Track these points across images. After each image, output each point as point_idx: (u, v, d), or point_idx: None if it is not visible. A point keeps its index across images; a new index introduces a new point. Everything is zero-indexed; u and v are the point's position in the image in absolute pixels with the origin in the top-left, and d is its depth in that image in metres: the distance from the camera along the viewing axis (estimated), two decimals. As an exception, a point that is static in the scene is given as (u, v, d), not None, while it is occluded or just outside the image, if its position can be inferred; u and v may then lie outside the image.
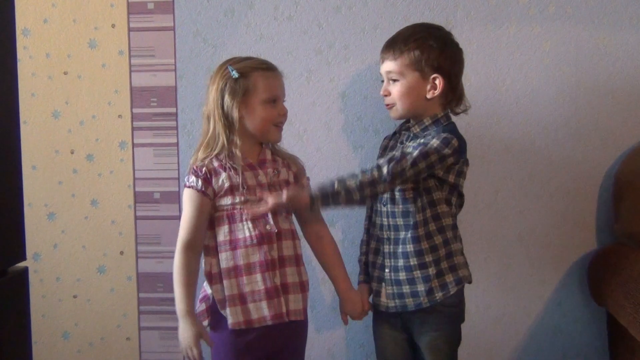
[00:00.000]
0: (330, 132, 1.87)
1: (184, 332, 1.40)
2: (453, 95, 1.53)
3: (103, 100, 1.92)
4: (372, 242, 1.58)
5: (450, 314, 1.51)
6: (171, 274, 1.91)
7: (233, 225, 1.43)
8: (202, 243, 1.45)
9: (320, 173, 1.76)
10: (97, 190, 1.95)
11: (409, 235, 1.48)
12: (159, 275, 1.95)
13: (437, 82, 1.49)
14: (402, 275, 1.50)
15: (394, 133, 1.61)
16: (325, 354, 1.92)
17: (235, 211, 1.43)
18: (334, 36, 1.85)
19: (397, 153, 1.43)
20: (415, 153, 1.40)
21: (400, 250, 1.50)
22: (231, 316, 1.41)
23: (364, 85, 1.85)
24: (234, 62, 1.47)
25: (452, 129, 1.50)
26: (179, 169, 1.91)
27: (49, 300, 1.98)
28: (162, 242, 1.93)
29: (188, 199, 1.44)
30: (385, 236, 1.52)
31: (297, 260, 1.49)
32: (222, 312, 1.43)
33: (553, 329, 1.88)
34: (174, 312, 1.92)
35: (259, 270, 1.42)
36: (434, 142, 1.42)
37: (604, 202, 1.83)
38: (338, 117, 1.87)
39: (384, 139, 1.66)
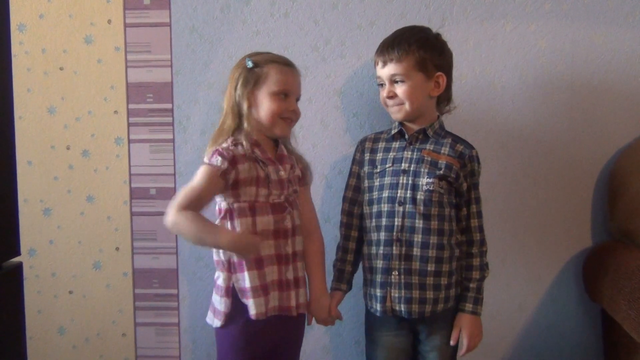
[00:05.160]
0: (327, 129, 1.87)
1: (235, 241, 1.34)
2: (446, 93, 1.56)
3: (99, 96, 1.92)
4: (372, 247, 1.54)
5: (454, 317, 1.55)
6: (166, 270, 1.95)
7: (255, 218, 1.42)
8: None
9: (316, 170, 1.76)
10: (93, 186, 1.95)
11: (434, 240, 1.48)
12: (154, 271, 1.95)
13: (440, 80, 1.52)
14: (415, 279, 1.49)
15: (393, 136, 1.58)
16: (320, 350, 1.93)
17: (257, 204, 1.43)
18: (330, 33, 1.85)
19: (475, 238, 1.55)
20: (480, 222, 1.56)
21: (417, 253, 1.48)
22: (255, 307, 1.40)
23: (360, 82, 1.85)
24: (253, 54, 1.51)
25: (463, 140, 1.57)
26: (174, 165, 1.91)
27: (44, 296, 1.98)
28: (158, 238, 1.93)
29: (204, 173, 1.39)
30: (395, 237, 1.49)
31: (302, 255, 1.52)
32: (243, 300, 1.41)
33: (548, 325, 1.88)
34: (169, 308, 1.95)
35: (274, 264, 1.43)
36: (479, 195, 1.56)
37: (599, 200, 1.83)
38: (334, 113, 1.87)
39: (366, 140, 1.62)
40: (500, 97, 1.83)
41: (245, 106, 1.46)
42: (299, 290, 1.49)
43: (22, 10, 1.90)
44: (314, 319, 1.58)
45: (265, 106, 1.46)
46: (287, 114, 1.48)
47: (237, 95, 1.46)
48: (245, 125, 1.46)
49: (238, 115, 1.47)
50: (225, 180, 1.39)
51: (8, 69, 1.29)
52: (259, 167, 1.43)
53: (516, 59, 1.82)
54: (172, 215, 1.35)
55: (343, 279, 1.62)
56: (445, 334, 1.54)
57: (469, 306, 1.53)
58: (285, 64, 1.49)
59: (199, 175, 1.39)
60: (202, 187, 1.37)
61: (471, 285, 1.53)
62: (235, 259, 1.42)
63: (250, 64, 1.46)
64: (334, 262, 1.63)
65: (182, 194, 1.37)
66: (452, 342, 1.53)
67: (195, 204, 1.36)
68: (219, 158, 1.39)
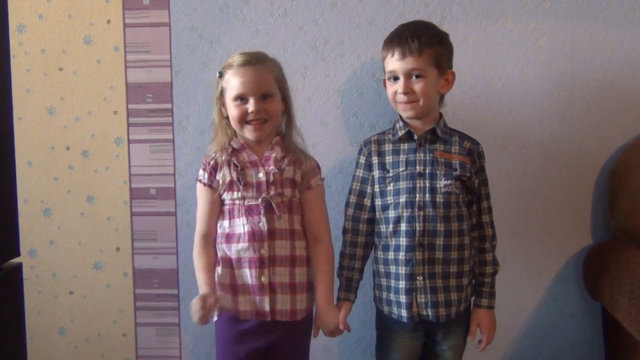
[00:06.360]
0: (326, 128, 1.87)
1: (199, 298, 1.41)
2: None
3: (99, 96, 1.92)
4: (390, 252, 1.50)
5: (467, 317, 1.56)
6: (167, 270, 1.95)
7: (232, 220, 1.46)
8: (216, 233, 1.50)
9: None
10: (93, 187, 1.95)
11: (455, 242, 1.48)
12: (155, 272, 1.95)
13: (450, 78, 1.52)
14: (439, 283, 1.47)
15: (399, 138, 1.53)
16: (321, 349, 1.93)
17: (234, 207, 1.46)
18: (330, 32, 1.84)
19: (488, 233, 1.56)
20: (491, 217, 1.58)
21: (439, 256, 1.47)
22: (220, 300, 1.43)
23: (360, 81, 1.85)
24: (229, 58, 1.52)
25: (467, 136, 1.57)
26: (174, 165, 1.91)
27: (45, 297, 1.98)
28: (158, 238, 1.93)
29: (199, 193, 1.52)
30: (417, 242, 1.47)
31: (293, 261, 1.46)
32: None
33: (549, 323, 1.88)
34: (170, 308, 1.96)
35: (247, 266, 1.44)
36: (488, 190, 1.58)
37: (600, 198, 1.83)
38: (334, 112, 1.87)
39: (370, 143, 1.57)
40: (500, 95, 1.83)
41: (220, 116, 1.51)
42: (275, 295, 1.43)
43: (21, 10, 1.90)
44: (320, 330, 1.53)
45: (230, 114, 1.48)
46: (249, 117, 1.44)
47: (215, 106, 1.52)
48: (226, 134, 1.51)
49: (221, 125, 1.52)
50: (214, 188, 1.49)
51: (7, 69, 1.29)
52: (232, 172, 1.46)
53: (516, 57, 1.81)
54: (194, 244, 1.50)
55: (351, 288, 1.56)
56: (461, 332, 1.55)
57: (485, 301, 1.54)
58: (239, 66, 1.45)
59: (198, 196, 1.53)
60: (200, 206, 1.52)
61: (486, 280, 1.54)
62: (219, 256, 1.48)
63: (217, 75, 1.50)
64: (338, 271, 1.57)
65: (197, 220, 1.52)
66: (471, 339, 1.54)
67: (207, 224, 1.50)
68: (201, 171, 1.51)
